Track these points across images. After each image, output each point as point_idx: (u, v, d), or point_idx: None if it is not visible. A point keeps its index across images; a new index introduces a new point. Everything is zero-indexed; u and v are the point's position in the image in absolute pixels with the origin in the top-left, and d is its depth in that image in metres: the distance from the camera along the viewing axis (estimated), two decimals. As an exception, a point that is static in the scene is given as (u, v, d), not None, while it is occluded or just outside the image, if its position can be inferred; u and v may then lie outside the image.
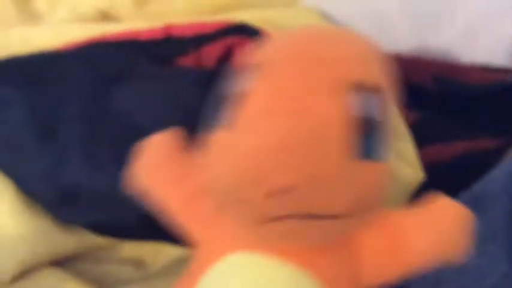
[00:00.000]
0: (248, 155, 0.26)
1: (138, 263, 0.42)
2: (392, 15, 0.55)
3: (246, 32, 0.41)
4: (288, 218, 0.26)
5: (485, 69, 0.50)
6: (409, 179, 0.40)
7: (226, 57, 0.41)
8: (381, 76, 0.29)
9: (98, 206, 0.38)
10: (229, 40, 0.41)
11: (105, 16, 0.47)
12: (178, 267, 0.41)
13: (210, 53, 0.41)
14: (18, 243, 0.38)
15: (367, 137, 0.27)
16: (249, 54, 0.30)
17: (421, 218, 0.30)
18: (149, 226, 0.38)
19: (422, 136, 0.46)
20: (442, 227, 0.29)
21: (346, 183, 0.26)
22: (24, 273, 0.39)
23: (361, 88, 0.27)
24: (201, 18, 0.42)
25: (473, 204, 0.31)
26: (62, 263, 0.40)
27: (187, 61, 0.42)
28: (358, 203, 0.27)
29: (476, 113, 0.47)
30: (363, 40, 0.31)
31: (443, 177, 0.39)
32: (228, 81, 0.30)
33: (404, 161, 0.41)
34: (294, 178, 0.25)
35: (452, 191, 0.32)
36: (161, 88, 0.39)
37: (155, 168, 0.32)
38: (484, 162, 0.40)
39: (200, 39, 0.41)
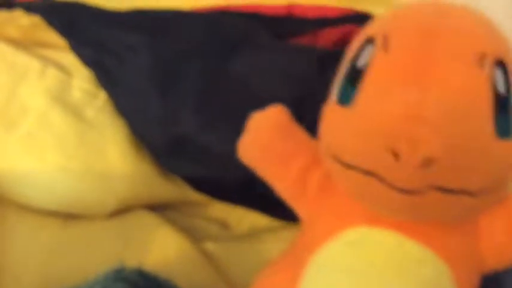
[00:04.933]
0: (385, 122, 0.25)
1: (223, 224, 0.44)
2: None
3: (368, 22, 0.41)
4: (428, 192, 0.26)
5: None
6: None
7: (342, 43, 0.42)
8: (508, 51, 0.28)
9: (201, 161, 0.40)
10: (348, 27, 0.42)
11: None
12: (261, 234, 0.42)
13: (327, 37, 0.42)
14: (122, 182, 0.40)
15: (506, 114, 0.26)
16: (368, 26, 0.29)
17: None
18: (244, 191, 0.39)
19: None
20: None
21: (487, 159, 0.26)
22: (122, 210, 0.41)
23: (502, 64, 0.26)
24: (325, 1, 0.43)
25: None
26: (154, 209, 0.42)
27: (302, 41, 0.43)
28: (495, 181, 0.27)
29: None
30: (487, 17, 0.29)
31: None
32: (347, 56, 0.29)
33: None
34: (437, 149, 0.24)
35: None
36: (278, 60, 0.40)
37: (262, 147, 0.32)
38: None
39: (321, 22, 0.42)
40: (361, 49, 0.28)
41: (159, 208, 0.43)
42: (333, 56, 0.37)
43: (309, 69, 0.39)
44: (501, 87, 0.26)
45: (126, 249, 0.39)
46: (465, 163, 0.25)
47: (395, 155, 0.25)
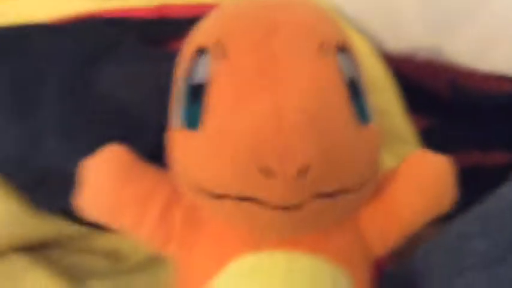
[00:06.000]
0: (244, 140, 0.23)
1: (113, 256, 0.39)
2: (407, 13, 0.53)
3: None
4: (308, 202, 0.24)
5: (504, 79, 0.47)
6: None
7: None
8: (346, 35, 0.28)
9: (71, 191, 0.35)
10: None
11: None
12: (154, 264, 0.38)
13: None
14: (-13, 224, 0.36)
15: (358, 99, 0.25)
16: (195, 35, 0.27)
17: (409, 179, 0.29)
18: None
19: (431, 143, 0.43)
20: (429, 183, 0.29)
21: (356, 151, 0.25)
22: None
23: (342, 49, 0.25)
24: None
25: (482, 222, 0.31)
26: (33, 249, 0.38)
27: (179, 45, 0.39)
28: (367, 171, 0.26)
29: (492, 124, 0.45)
30: (323, 7, 0.29)
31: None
32: (177, 73, 0.26)
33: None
34: (310, 155, 0.23)
35: (460, 205, 0.31)
36: (145, 70, 0.36)
37: (109, 197, 0.28)
38: (495, 177, 0.38)
39: (196, 21, 0.38)
40: (193, 63, 0.25)
41: (39, 247, 0.38)
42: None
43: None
44: (349, 72, 0.25)
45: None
46: (338, 160, 0.24)
47: (268, 173, 0.23)
